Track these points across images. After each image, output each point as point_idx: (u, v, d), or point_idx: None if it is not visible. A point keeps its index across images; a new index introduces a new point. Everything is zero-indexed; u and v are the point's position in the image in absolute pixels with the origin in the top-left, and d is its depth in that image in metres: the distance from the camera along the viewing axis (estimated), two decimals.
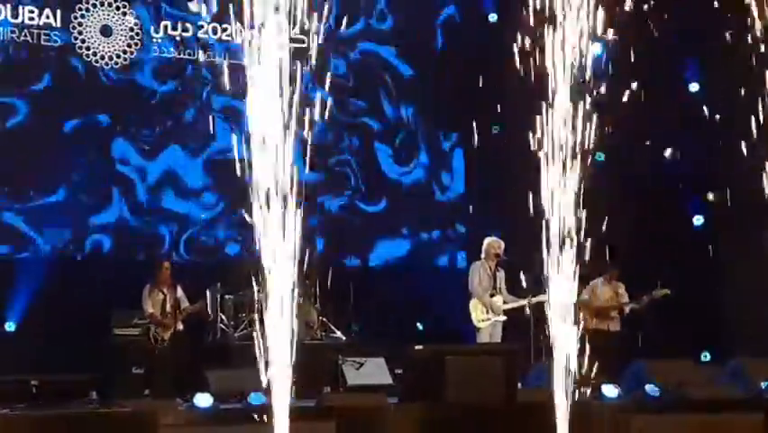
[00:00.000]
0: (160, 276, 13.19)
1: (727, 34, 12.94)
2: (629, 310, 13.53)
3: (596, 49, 8.48)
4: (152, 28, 15.33)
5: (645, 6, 12.44)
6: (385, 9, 16.66)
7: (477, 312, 13.10)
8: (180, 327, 13.10)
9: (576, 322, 8.33)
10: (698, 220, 15.27)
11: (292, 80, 7.26)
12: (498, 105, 15.56)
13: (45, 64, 14.86)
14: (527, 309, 12.53)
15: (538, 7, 8.22)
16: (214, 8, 7.94)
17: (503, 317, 13.11)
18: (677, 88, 15.09)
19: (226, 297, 13.92)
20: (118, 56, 15.11)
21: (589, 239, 8.20)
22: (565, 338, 8.14)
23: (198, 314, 13.47)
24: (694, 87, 15.28)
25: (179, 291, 13.25)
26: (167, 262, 13.67)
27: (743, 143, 12.52)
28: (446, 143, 16.98)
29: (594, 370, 9.55)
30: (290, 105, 7.28)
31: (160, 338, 12.93)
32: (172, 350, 12.90)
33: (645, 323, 13.87)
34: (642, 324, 13.88)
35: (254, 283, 7.40)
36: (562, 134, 8.15)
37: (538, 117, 8.18)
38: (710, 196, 14.05)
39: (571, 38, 8.13)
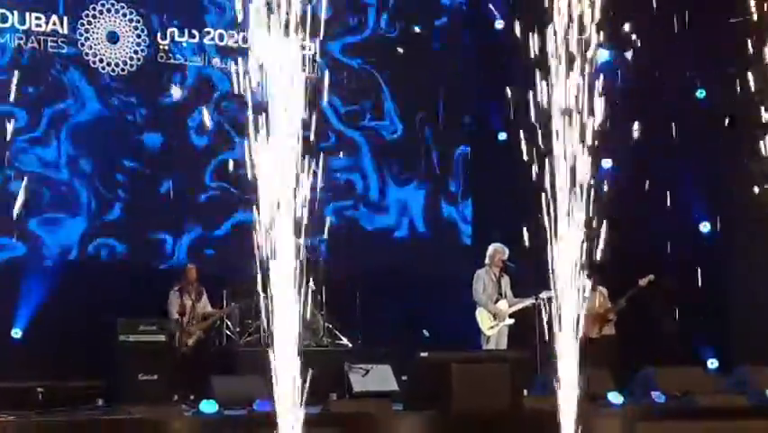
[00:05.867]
0: (186, 278, 13.32)
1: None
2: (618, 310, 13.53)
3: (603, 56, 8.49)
4: (159, 35, 15.35)
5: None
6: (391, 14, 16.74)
7: (483, 320, 13.11)
8: (202, 334, 13.23)
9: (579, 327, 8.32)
10: (704, 227, 15.24)
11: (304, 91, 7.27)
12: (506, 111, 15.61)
13: (51, 70, 14.88)
14: (539, 304, 12.49)
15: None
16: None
17: (510, 321, 13.13)
18: (684, 93, 15.08)
19: (232, 304, 13.94)
20: (125, 62, 15.13)
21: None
22: (569, 342, 8.13)
23: (227, 318, 13.63)
24: (701, 93, 15.26)
25: (205, 297, 13.37)
26: (191, 264, 13.79)
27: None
28: (452, 150, 17.01)
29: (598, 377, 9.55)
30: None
31: (184, 343, 12.98)
32: (196, 356, 12.98)
33: (652, 330, 13.88)
34: (649, 330, 13.89)
35: (259, 290, 7.40)
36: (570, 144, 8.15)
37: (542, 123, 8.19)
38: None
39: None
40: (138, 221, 15.09)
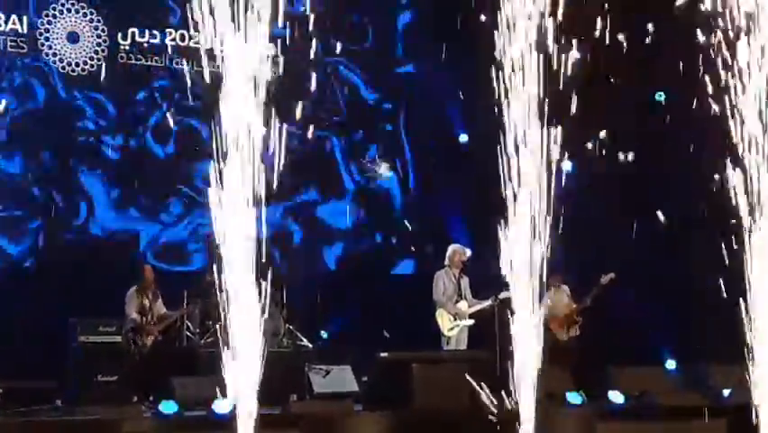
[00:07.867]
0: (144, 279, 13.23)
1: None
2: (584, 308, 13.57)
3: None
4: (120, 35, 15.29)
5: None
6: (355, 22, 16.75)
7: (443, 321, 13.10)
8: (159, 336, 13.16)
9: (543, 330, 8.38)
10: (661, 218, 15.29)
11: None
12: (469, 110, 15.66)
13: (11, 70, 14.81)
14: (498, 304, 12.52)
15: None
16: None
17: (470, 321, 13.14)
18: (639, 91, 15.18)
19: (190, 304, 13.87)
20: (85, 62, 15.06)
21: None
22: (528, 343, 8.18)
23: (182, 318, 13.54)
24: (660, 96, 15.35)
25: (160, 300, 13.30)
26: (148, 265, 13.72)
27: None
28: (411, 148, 17.06)
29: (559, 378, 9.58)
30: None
31: (141, 343, 12.91)
32: (155, 357, 12.90)
33: (611, 330, 13.95)
34: (607, 331, 13.94)
35: (218, 291, 7.40)
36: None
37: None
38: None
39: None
40: (96, 220, 15.05)
